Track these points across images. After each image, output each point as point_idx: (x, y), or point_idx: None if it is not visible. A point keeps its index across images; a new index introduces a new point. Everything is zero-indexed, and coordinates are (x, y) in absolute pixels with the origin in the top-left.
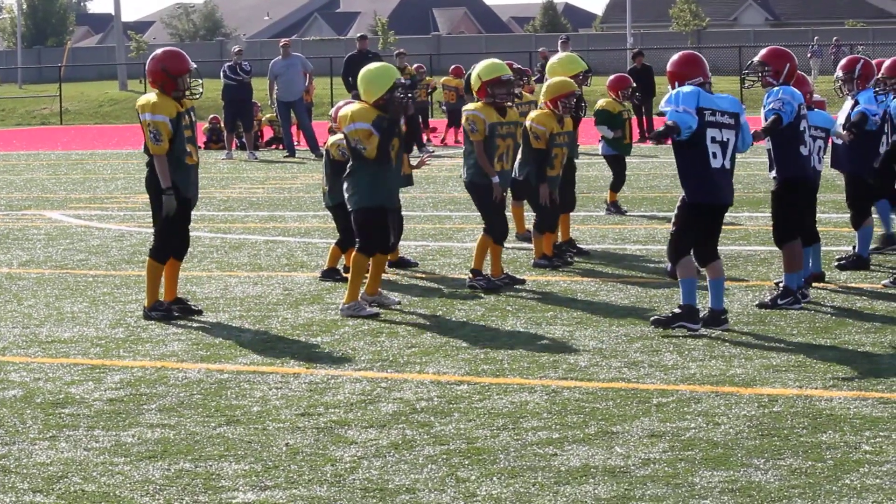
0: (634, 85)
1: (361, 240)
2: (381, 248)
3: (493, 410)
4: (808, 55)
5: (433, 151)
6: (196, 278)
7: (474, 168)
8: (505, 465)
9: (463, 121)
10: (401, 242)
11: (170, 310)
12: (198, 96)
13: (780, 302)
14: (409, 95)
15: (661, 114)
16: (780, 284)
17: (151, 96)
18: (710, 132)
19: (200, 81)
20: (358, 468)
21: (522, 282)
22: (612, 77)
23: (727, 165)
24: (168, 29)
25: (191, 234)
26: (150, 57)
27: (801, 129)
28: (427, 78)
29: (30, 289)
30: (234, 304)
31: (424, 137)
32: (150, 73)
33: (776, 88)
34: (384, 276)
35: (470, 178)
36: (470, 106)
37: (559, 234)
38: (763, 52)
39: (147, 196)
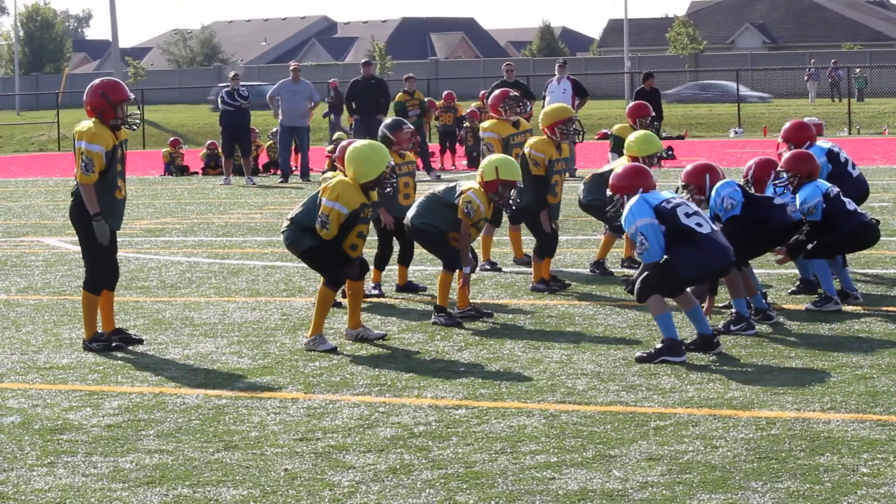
0: (654, 114)
1: (328, 274)
2: (350, 275)
3: (491, 434)
4: (805, 78)
5: (440, 177)
6: (194, 304)
7: (426, 216)
8: (503, 489)
9: (462, 200)
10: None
11: (110, 340)
12: (135, 127)
13: (732, 328)
14: (395, 179)
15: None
16: (733, 311)
17: (90, 124)
18: (681, 210)
19: (138, 113)
20: (356, 493)
21: (490, 315)
22: (631, 104)
23: (715, 226)
24: (165, 55)
25: (190, 259)
26: (89, 86)
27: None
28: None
29: (28, 315)
30: (232, 330)
31: (439, 164)
32: (89, 102)
33: (710, 197)
34: (384, 300)
35: (418, 225)
36: (474, 189)
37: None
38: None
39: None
